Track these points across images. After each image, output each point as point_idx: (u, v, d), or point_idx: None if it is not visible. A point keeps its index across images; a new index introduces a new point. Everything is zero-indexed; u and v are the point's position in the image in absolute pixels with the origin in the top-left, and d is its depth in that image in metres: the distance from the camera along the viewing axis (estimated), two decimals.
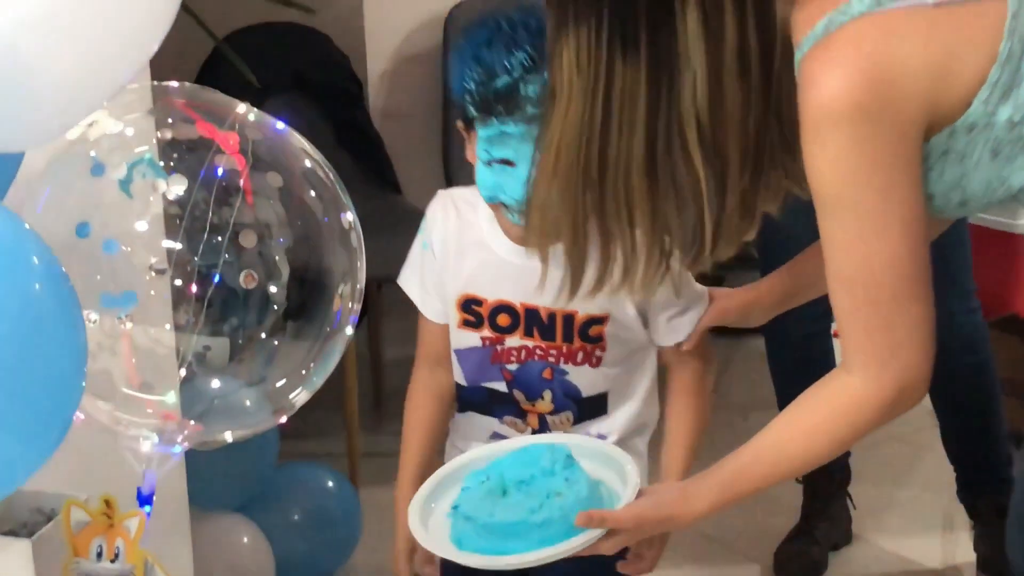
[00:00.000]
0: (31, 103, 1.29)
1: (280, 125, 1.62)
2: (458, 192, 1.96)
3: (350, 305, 1.65)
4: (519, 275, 1.84)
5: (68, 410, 1.30)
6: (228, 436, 1.62)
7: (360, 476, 3.33)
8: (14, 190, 1.43)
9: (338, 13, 3.69)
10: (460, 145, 4.01)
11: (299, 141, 1.64)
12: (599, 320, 1.86)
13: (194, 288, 1.52)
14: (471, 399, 1.96)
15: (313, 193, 1.61)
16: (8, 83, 1.26)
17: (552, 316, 1.86)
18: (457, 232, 1.92)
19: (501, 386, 1.94)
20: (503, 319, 1.89)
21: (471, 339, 1.92)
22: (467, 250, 1.90)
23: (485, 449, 1.87)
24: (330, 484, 2.96)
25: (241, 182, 1.54)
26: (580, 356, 1.89)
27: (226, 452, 2.58)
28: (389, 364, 3.88)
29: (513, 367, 1.92)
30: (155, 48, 1.37)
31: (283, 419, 1.66)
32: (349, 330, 1.65)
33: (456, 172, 3.75)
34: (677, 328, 1.90)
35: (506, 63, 1.76)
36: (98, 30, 1.29)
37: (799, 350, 2.90)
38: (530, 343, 1.89)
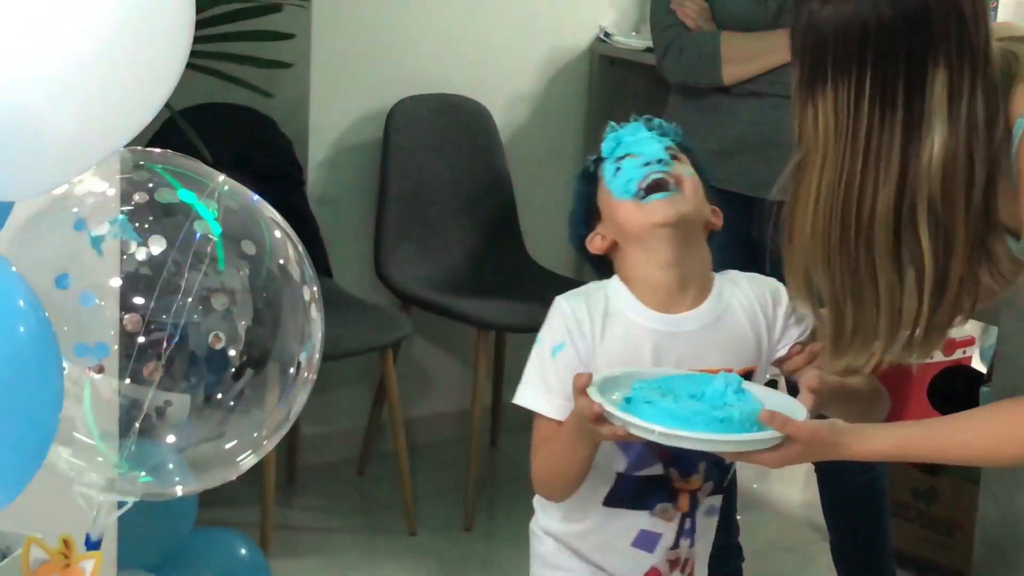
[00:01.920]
0: (31, 157, 1.30)
1: (255, 196, 1.65)
2: (575, 292, 1.93)
3: (306, 375, 1.67)
4: (674, 344, 1.86)
5: (42, 451, 1.30)
6: (179, 490, 1.62)
7: (271, 547, 3.32)
8: (1, 238, 1.44)
9: (286, 100, 3.72)
10: (391, 235, 4.03)
11: (271, 213, 1.66)
12: (749, 374, 1.89)
13: (160, 345, 1.53)
14: (622, 493, 1.91)
15: (281, 262, 1.63)
16: (11, 138, 1.27)
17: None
18: (596, 318, 1.88)
19: (657, 468, 1.90)
20: None
21: None
22: (617, 334, 1.87)
23: (648, 369, 1.83)
24: (243, 552, 2.93)
25: (215, 249, 1.55)
26: None
27: (147, 511, 2.58)
28: (305, 440, 3.87)
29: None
30: (157, 110, 1.39)
31: (233, 478, 1.66)
32: (303, 399, 1.66)
33: (386, 261, 3.78)
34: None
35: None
36: (104, 91, 1.31)
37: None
38: None
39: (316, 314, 1.67)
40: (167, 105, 2.97)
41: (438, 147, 3.90)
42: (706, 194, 1.93)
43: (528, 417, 4.32)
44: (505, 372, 4.10)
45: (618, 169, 1.89)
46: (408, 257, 3.81)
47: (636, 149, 1.89)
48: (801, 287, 1.70)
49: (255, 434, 1.64)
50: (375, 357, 3.60)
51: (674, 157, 1.90)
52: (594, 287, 1.93)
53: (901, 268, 1.59)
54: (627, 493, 1.91)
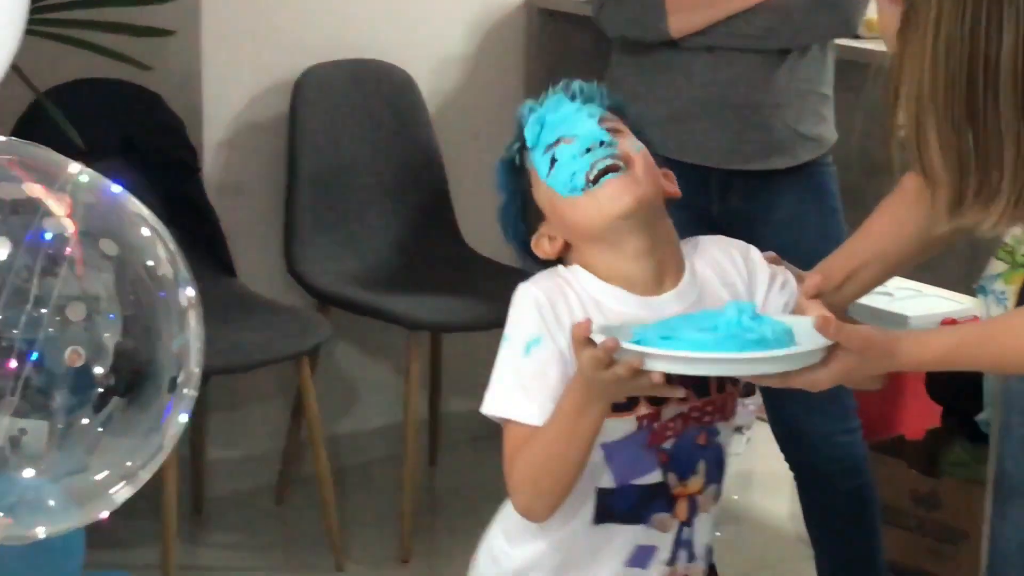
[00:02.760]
0: None
1: (116, 188, 1.65)
2: (540, 278, 1.92)
3: (185, 392, 1.67)
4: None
5: None
6: (40, 532, 1.62)
7: None
8: None
9: (174, 72, 3.71)
10: (304, 226, 4.04)
11: (137, 207, 1.66)
12: None
13: (11, 364, 1.52)
14: (615, 507, 1.90)
15: (150, 264, 1.63)
16: None
17: None
18: (575, 306, 1.87)
19: (655, 475, 1.90)
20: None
21: (624, 426, 1.86)
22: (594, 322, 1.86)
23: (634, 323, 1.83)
24: None
25: (70, 249, 1.55)
26: (729, 407, 1.92)
27: (23, 554, 2.57)
28: (213, 465, 3.86)
29: (668, 445, 1.89)
30: None
31: (103, 516, 1.66)
32: (183, 419, 1.66)
33: (299, 257, 3.77)
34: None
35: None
36: None
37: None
38: (685, 407, 1.88)
39: (195, 322, 1.67)
40: (29, 84, 3.00)
41: (355, 122, 3.90)
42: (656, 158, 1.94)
43: (473, 429, 4.35)
44: (443, 379, 4.10)
45: (554, 161, 1.88)
46: (324, 250, 3.81)
47: (567, 131, 1.89)
48: (916, 154, 1.74)
49: (128, 463, 1.64)
50: (290, 367, 3.60)
51: (613, 130, 1.90)
52: (559, 270, 1.92)
53: None
54: (621, 505, 1.91)
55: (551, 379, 1.83)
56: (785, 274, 1.97)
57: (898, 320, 3.81)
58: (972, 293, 3.55)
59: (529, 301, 1.87)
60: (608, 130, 1.90)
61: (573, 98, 1.92)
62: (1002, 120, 1.67)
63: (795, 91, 2.89)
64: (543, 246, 1.93)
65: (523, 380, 1.85)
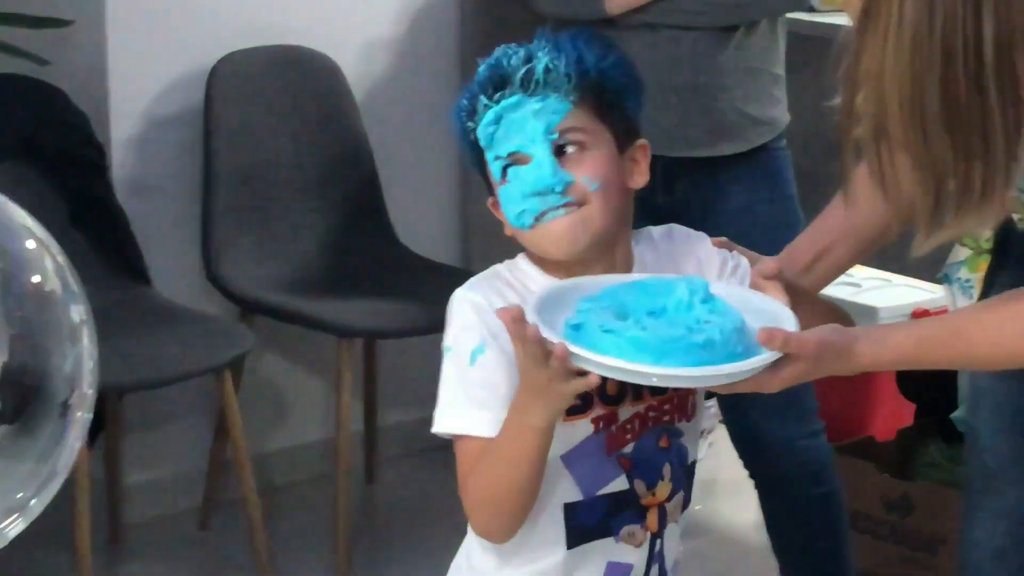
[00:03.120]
0: None
1: None
2: (476, 281, 1.93)
3: (79, 415, 1.65)
4: None
5: None
6: None
7: None
8: None
9: (77, 65, 3.69)
10: (223, 227, 4.04)
11: (20, 216, 1.64)
12: None
13: None
14: (585, 523, 1.91)
15: (37, 279, 1.61)
16: None
17: None
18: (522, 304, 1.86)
19: (621, 482, 1.91)
20: (611, 386, 1.87)
21: (581, 430, 1.88)
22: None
23: (586, 280, 1.85)
24: None
25: None
26: (690, 406, 1.94)
27: None
28: (131, 490, 3.84)
29: (629, 449, 1.91)
30: None
31: None
32: (78, 445, 1.64)
33: (218, 261, 3.75)
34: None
35: (486, 60, 1.90)
36: None
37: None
38: (641, 407, 1.90)
39: (87, 340, 1.65)
40: None
41: (275, 113, 3.88)
42: (630, 133, 1.95)
43: (413, 441, 4.34)
44: (379, 389, 4.09)
45: (504, 178, 1.88)
46: (246, 254, 3.79)
47: (522, 145, 1.87)
48: (877, 165, 1.73)
49: (18, 494, 1.62)
50: (211, 381, 3.57)
51: (576, 142, 1.89)
52: (498, 270, 1.94)
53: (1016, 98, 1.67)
54: (591, 520, 1.92)
55: (501, 387, 1.84)
56: (737, 258, 1.99)
57: (867, 312, 3.82)
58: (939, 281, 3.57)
59: (467, 307, 1.88)
60: (570, 143, 1.88)
61: (534, 93, 1.87)
62: (990, 116, 1.66)
63: (743, 71, 2.89)
64: (507, 228, 1.94)
65: (472, 391, 1.86)
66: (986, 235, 2.29)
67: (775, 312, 1.81)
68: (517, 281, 1.92)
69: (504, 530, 1.90)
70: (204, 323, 3.62)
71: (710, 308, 1.76)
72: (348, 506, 3.65)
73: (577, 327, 1.74)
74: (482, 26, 4.13)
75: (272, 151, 3.87)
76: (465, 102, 1.90)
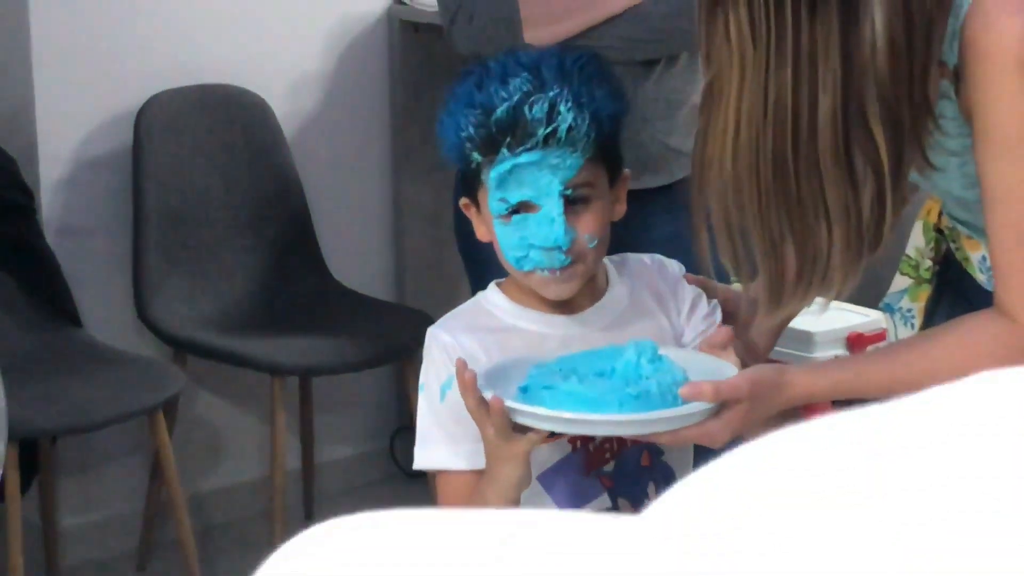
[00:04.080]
0: None
1: None
2: (450, 316, 2.01)
3: None
4: (580, 347, 1.91)
5: None
6: None
7: None
8: None
9: (3, 108, 3.68)
10: (154, 267, 4.00)
11: None
12: None
13: None
14: None
15: None
16: None
17: None
18: (488, 341, 1.94)
19: (603, 501, 1.95)
20: None
21: (556, 451, 1.92)
22: (512, 349, 1.94)
23: (538, 353, 1.89)
24: None
25: None
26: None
27: None
28: (66, 533, 3.82)
29: (610, 468, 1.94)
30: None
31: None
32: None
33: (150, 302, 3.74)
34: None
35: (503, 93, 1.87)
36: None
37: None
38: None
39: None
40: None
41: (205, 152, 3.88)
42: (619, 167, 2.01)
43: (351, 478, 4.31)
44: (315, 425, 4.09)
45: (508, 219, 1.91)
46: (177, 293, 3.79)
47: (536, 198, 1.90)
48: (728, 244, 1.77)
49: None
50: (145, 423, 3.56)
51: (582, 198, 1.93)
52: (468, 307, 2.01)
53: (854, 176, 1.68)
54: None
55: (471, 420, 1.87)
56: (713, 308, 2.04)
57: (802, 337, 3.84)
58: (876, 306, 3.57)
59: (437, 345, 1.94)
60: (579, 198, 1.92)
61: (555, 146, 1.89)
62: (825, 182, 1.68)
63: (664, 103, 2.90)
64: (480, 231, 2.00)
65: (446, 427, 1.92)
66: (926, 265, 2.31)
67: (717, 366, 1.84)
68: (487, 312, 1.99)
69: None
70: (136, 364, 3.61)
71: (655, 367, 1.81)
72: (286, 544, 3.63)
73: (524, 389, 1.80)
74: (411, 61, 4.14)
75: (202, 190, 3.87)
76: (473, 131, 1.89)
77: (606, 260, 2.06)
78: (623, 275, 2.05)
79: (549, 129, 1.86)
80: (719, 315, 2.03)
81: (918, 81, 1.68)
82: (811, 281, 1.74)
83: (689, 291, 2.05)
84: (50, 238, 3.70)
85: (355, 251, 4.17)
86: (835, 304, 3.95)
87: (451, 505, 1.92)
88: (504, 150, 1.87)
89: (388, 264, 4.28)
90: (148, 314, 3.75)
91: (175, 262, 3.80)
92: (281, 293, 3.90)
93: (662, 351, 1.84)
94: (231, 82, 3.93)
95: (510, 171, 1.88)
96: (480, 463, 1.89)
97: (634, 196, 2.92)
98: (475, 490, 1.90)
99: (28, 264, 3.63)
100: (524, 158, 1.87)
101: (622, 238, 2.90)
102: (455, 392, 1.87)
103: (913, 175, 1.77)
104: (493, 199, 1.91)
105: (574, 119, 1.87)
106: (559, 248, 1.90)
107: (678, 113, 2.92)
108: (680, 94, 2.92)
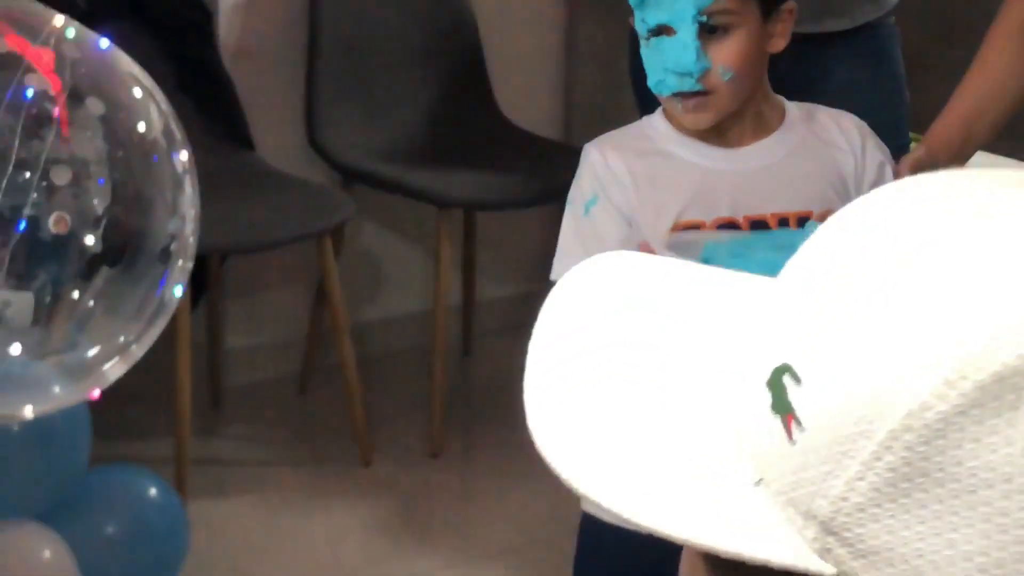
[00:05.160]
0: None
1: (104, 43, 1.66)
2: (608, 135, 2.05)
3: (180, 263, 1.69)
4: (730, 183, 1.96)
5: None
6: (29, 411, 1.65)
7: (189, 487, 3.36)
8: None
9: None
10: (327, 95, 4.02)
11: (127, 64, 1.67)
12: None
13: None
14: None
15: (142, 126, 1.65)
16: None
17: (784, 222, 1.95)
18: (636, 163, 1.99)
19: None
20: None
21: None
22: (660, 175, 1.98)
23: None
24: (152, 493, 2.97)
25: (55, 109, 1.57)
26: None
27: (24, 446, 2.61)
28: (231, 354, 3.91)
29: None
30: None
31: (96, 393, 1.69)
32: (178, 292, 1.69)
33: (321, 129, 3.78)
34: None
35: None
36: None
37: None
38: None
39: (190, 189, 1.69)
40: None
41: None
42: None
43: (510, 316, 4.35)
44: (477, 262, 4.12)
45: (648, 41, 1.95)
46: (349, 122, 3.82)
47: (672, 21, 1.93)
48: None
49: (121, 338, 1.67)
50: (312, 248, 3.62)
51: (722, 25, 1.94)
52: (630, 128, 2.06)
53: None
54: None
55: (610, 238, 1.94)
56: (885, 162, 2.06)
57: None
58: None
59: (586, 162, 2.01)
60: (717, 25, 1.94)
61: None
62: None
63: None
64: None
65: (583, 241, 1.98)
66: None
67: None
68: (646, 135, 2.02)
69: None
70: (305, 190, 3.66)
71: None
72: (444, 378, 3.69)
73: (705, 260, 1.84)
74: None
75: (376, 20, 3.89)
76: None
77: (790, 104, 2.05)
78: (800, 122, 2.04)
79: None
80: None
81: None
82: None
83: (879, 148, 2.06)
84: (226, 61, 3.75)
85: (525, 89, 4.16)
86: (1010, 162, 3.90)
87: None
88: None
89: (557, 104, 4.27)
90: (319, 141, 3.79)
91: (347, 91, 3.83)
92: (450, 127, 3.92)
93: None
94: None
95: None
96: None
97: (813, 40, 2.91)
98: None
99: (205, 86, 3.68)
100: None
101: (799, 81, 2.88)
102: (600, 208, 1.94)
103: None
104: (637, 20, 1.95)
105: None
106: (689, 74, 1.92)
107: None
108: None
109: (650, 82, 1.96)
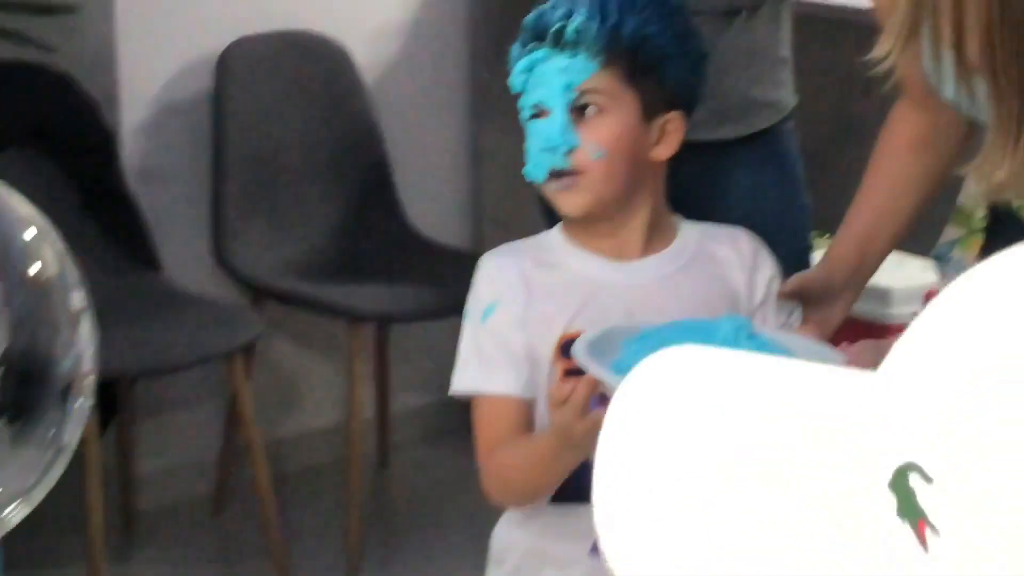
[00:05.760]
0: None
1: None
2: (505, 246, 2.07)
3: (79, 403, 1.67)
4: (622, 295, 1.96)
5: None
6: None
7: None
8: None
9: (85, 51, 3.71)
10: (233, 212, 4.03)
11: (19, 205, 1.66)
12: None
13: None
14: (580, 481, 1.94)
15: (35, 268, 1.64)
16: None
17: None
18: (533, 275, 1.99)
19: None
20: None
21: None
22: (551, 285, 1.98)
23: (622, 326, 1.87)
24: None
25: None
26: None
27: None
28: (143, 477, 3.87)
29: None
30: None
31: None
32: (78, 433, 1.67)
33: (228, 246, 3.78)
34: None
35: (555, 11, 1.96)
36: None
37: None
38: None
39: (87, 326, 1.68)
40: None
41: (285, 99, 3.91)
42: (664, 102, 2.00)
43: (426, 426, 4.35)
44: (391, 374, 4.12)
45: (528, 124, 1.98)
46: (256, 238, 3.82)
47: (544, 98, 1.95)
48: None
49: (20, 481, 1.64)
50: (223, 367, 3.61)
51: (596, 104, 1.96)
52: (527, 240, 2.07)
53: None
54: (585, 479, 1.96)
55: (512, 345, 1.94)
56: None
57: (880, 294, 3.83)
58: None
59: (482, 272, 2.01)
60: (589, 104, 1.95)
61: (563, 47, 1.95)
62: None
63: (746, 53, 2.89)
64: None
65: (485, 351, 1.96)
66: (979, 214, 2.31)
67: (820, 352, 1.83)
68: (543, 248, 2.03)
69: (513, 505, 2.00)
70: (215, 308, 3.66)
71: (756, 345, 1.76)
72: (360, 492, 3.68)
73: (616, 365, 1.76)
74: (492, 7, 4.15)
75: (282, 136, 3.90)
76: (514, 47, 2.00)
77: (685, 221, 2.07)
78: (693, 239, 2.06)
79: (558, 26, 1.93)
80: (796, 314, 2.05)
81: None
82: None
83: (771, 265, 2.07)
84: (131, 182, 3.74)
85: (433, 199, 4.18)
86: (914, 259, 3.95)
87: (487, 431, 1.95)
88: (520, 47, 1.97)
89: (466, 212, 4.29)
90: (227, 259, 3.79)
91: (254, 208, 3.84)
92: (359, 240, 3.93)
93: (757, 329, 1.82)
94: (312, 29, 3.95)
95: (528, 71, 1.95)
96: (516, 390, 1.93)
97: (714, 147, 2.94)
98: (523, 443, 1.92)
99: (109, 207, 3.68)
100: (533, 55, 1.95)
101: (701, 189, 2.91)
102: (497, 316, 1.94)
103: None
104: (520, 108, 1.98)
105: (585, 21, 1.94)
106: (557, 149, 1.93)
107: (761, 63, 2.91)
108: (763, 44, 2.91)
109: (526, 169, 1.97)
